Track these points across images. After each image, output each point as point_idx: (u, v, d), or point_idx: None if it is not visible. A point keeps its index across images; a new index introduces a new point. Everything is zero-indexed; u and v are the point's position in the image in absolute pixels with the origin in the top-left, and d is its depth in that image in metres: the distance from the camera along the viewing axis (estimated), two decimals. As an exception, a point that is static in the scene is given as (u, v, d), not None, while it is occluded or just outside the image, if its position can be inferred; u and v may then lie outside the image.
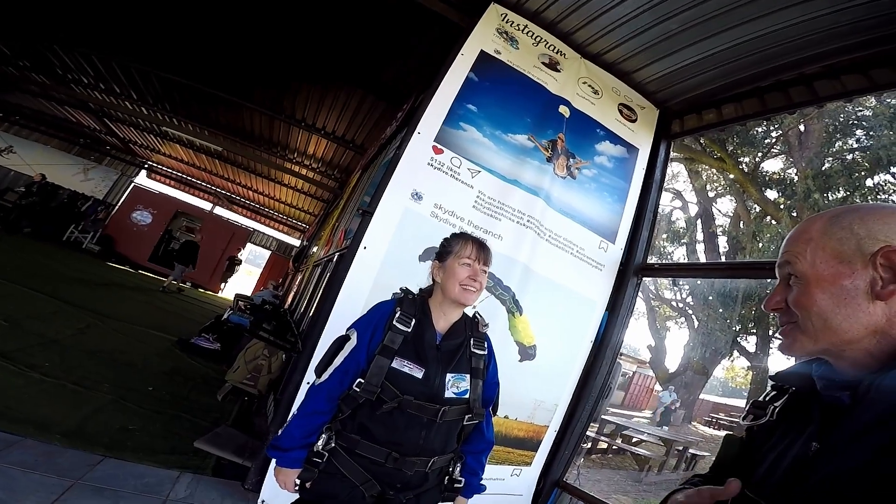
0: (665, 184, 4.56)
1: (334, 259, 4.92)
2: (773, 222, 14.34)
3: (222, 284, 18.09)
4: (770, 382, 0.97)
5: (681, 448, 11.22)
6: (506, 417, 3.45)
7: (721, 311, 16.51)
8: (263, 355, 4.47)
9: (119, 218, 15.99)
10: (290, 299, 10.21)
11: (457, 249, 1.74)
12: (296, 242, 20.78)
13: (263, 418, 4.20)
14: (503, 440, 3.45)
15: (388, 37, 5.39)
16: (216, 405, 4.54)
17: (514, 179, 3.50)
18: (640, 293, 4.22)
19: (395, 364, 1.60)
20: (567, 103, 3.83)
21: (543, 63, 3.80)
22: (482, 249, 1.76)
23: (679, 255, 18.61)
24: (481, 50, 3.57)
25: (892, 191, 12.73)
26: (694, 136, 5.24)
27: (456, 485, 1.74)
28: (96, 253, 14.03)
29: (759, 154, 15.23)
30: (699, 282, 17.42)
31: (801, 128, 13.91)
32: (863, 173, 12.74)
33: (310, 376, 2.82)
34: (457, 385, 1.66)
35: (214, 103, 9.55)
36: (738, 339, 16.58)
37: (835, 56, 3.13)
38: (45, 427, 2.99)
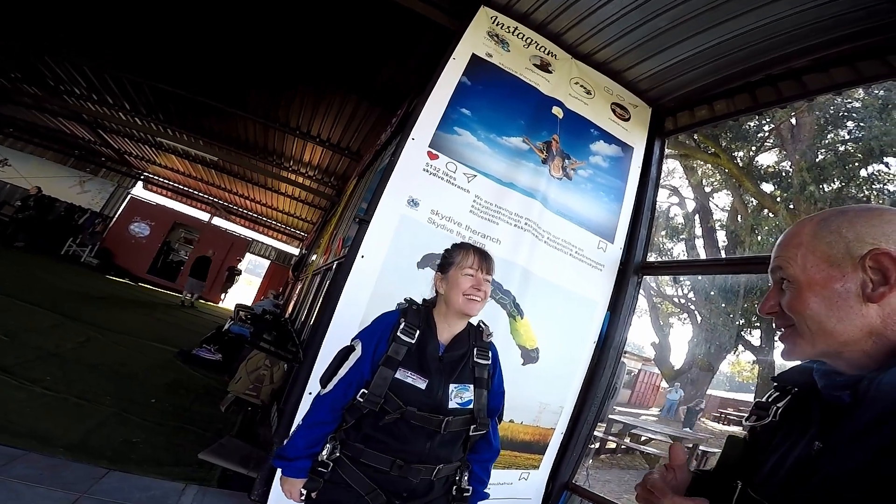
0: (661, 181, 4.56)
1: (333, 268, 4.92)
2: (771, 215, 14.35)
3: (222, 295, 18.07)
4: (773, 383, 0.98)
5: (691, 445, 11.18)
6: (511, 421, 3.44)
7: (724, 305, 16.51)
8: (265, 365, 4.47)
9: (117, 230, 15.96)
10: (290, 308, 10.20)
11: (458, 260, 1.74)
12: (295, 251, 20.80)
13: (267, 428, 4.19)
14: (509, 444, 3.44)
15: (381, 42, 5.40)
16: (219, 416, 4.54)
17: (511, 182, 3.50)
18: (641, 291, 4.22)
19: (399, 375, 1.61)
20: (560, 104, 3.84)
21: (535, 65, 3.81)
22: (484, 259, 1.76)
23: (678, 250, 18.62)
24: (473, 53, 3.58)
25: (886, 180, 12.76)
26: (687, 132, 5.24)
27: (465, 493, 1.74)
28: (95, 266, 13.99)
29: (753, 148, 15.25)
30: (700, 277, 17.41)
31: (793, 121, 13.93)
32: (856, 164, 12.77)
33: (312, 386, 2.83)
34: (460, 395, 1.67)
35: (208, 113, 9.55)
36: (742, 333, 16.57)
37: (822, 49, 3.14)
38: (48, 441, 3.00)
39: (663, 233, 18.17)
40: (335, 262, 4.87)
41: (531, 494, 3.71)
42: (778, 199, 14.15)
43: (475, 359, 1.74)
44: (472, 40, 3.61)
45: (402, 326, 1.67)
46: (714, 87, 3.87)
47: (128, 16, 6.57)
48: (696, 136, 14.08)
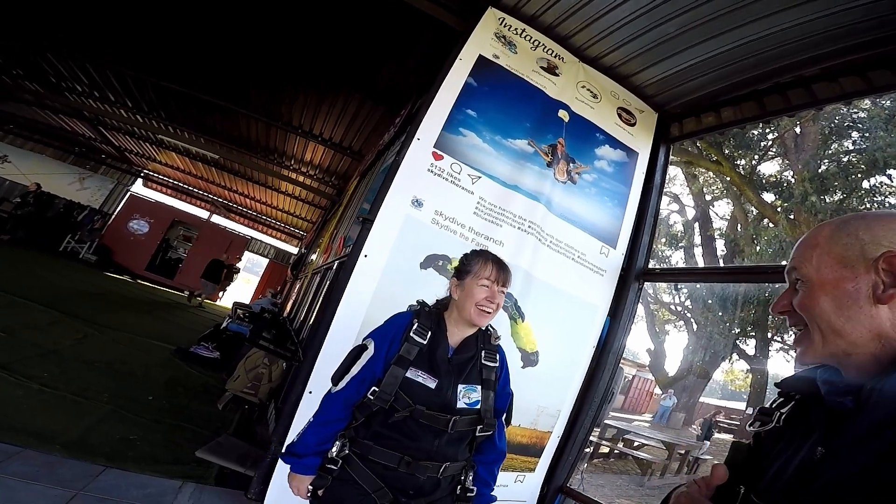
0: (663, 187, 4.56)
1: (334, 267, 4.90)
2: (771, 225, 14.37)
3: (220, 293, 18.02)
4: (776, 389, 0.98)
5: (683, 451, 11.20)
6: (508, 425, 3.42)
7: (720, 314, 16.53)
8: (264, 364, 4.45)
9: (116, 227, 15.92)
10: (288, 307, 10.18)
11: (476, 269, 1.74)
12: (293, 250, 20.74)
13: (265, 427, 4.17)
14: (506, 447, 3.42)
15: (386, 41, 5.39)
16: (217, 414, 4.51)
17: (515, 185, 3.49)
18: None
19: (410, 374, 1.63)
20: (566, 107, 3.83)
21: (542, 67, 3.80)
22: (502, 270, 1.77)
23: (677, 258, 18.65)
24: (480, 55, 3.57)
25: (888, 192, 12.77)
26: (692, 139, 5.24)
27: (468, 493, 1.75)
28: (93, 263, 13.95)
29: (756, 157, 15.28)
30: (698, 285, 17.44)
31: (798, 130, 13.95)
32: (859, 175, 12.79)
33: (312, 385, 2.82)
34: (468, 396, 1.69)
35: (210, 110, 9.54)
36: (738, 342, 16.60)
37: (833, 58, 3.14)
38: (45, 438, 2.97)
39: (663, 240, 18.19)
40: (337, 262, 4.85)
41: (526, 497, 3.71)
42: (779, 209, 14.17)
43: (483, 361, 1.76)
44: (479, 41, 3.60)
45: (415, 327, 1.69)
46: (721, 94, 3.87)
47: (132, 13, 6.56)
48: (699, 144, 14.11)
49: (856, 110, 12.86)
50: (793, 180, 14.05)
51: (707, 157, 14.92)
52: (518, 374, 3.44)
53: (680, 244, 18.37)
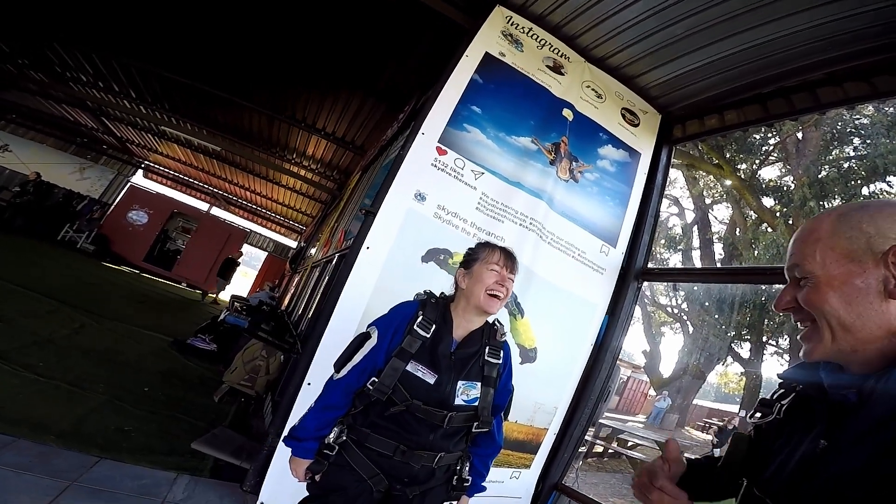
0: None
1: (334, 260, 4.89)
2: (770, 229, 14.37)
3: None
4: (778, 381, 0.98)
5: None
6: (505, 420, 3.43)
7: (717, 316, 16.54)
8: (262, 356, 4.45)
9: (115, 217, 15.81)
10: (286, 301, 10.16)
11: (484, 256, 1.76)
12: (293, 244, 20.72)
13: (261, 420, 4.16)
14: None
15: (387, 41, 5.38)
16: (213, 406, 4.51)
17: (517, 182, 3.50)
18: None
19: (410, 367, 1.63)
20: (571, 107, 3.83)
21: (548, 66, 3.80)
22: (510, 258, 1.79)
23: (675, 261, 18.64)
24: (486, 52, 3.57)
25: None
26: (695, 141, 5.23)
27: (464, 484, 1.77)
28: (91, 252, 13.89)
29: (757, 161, 15.27)
30: (695, 288, 17.43)
31: (799, 135, 13.94)
32: (859, 181, 12.79)
33: (311, 377, 2.82)
34: (467, 392, 1.68)
35: (214, 103, 9.50)
36: (733, 345, 16.61)
37: (838, 63, 3.13)
38: (39, 428, 2.96)
39: (662, 242, 18.19)
40: (338, 254, 4.84)
41: (521, 493, 3.73)
42: (778, 214, 14.18)
43: (486, 357, 1.75)
44: (486, 39, 3.60)
45: (419, 320, 1.68)
46: (725, 97, 3.86)
47: (141, 4, 6.53)
48: (700, 147, 14.10)
49: (858, 116, 12.85)
50: (792, 185, 14.05)
51: (708, 160, 14.91)
52: (516, 370, 3.38)
53: (678, 247, 18.36)
